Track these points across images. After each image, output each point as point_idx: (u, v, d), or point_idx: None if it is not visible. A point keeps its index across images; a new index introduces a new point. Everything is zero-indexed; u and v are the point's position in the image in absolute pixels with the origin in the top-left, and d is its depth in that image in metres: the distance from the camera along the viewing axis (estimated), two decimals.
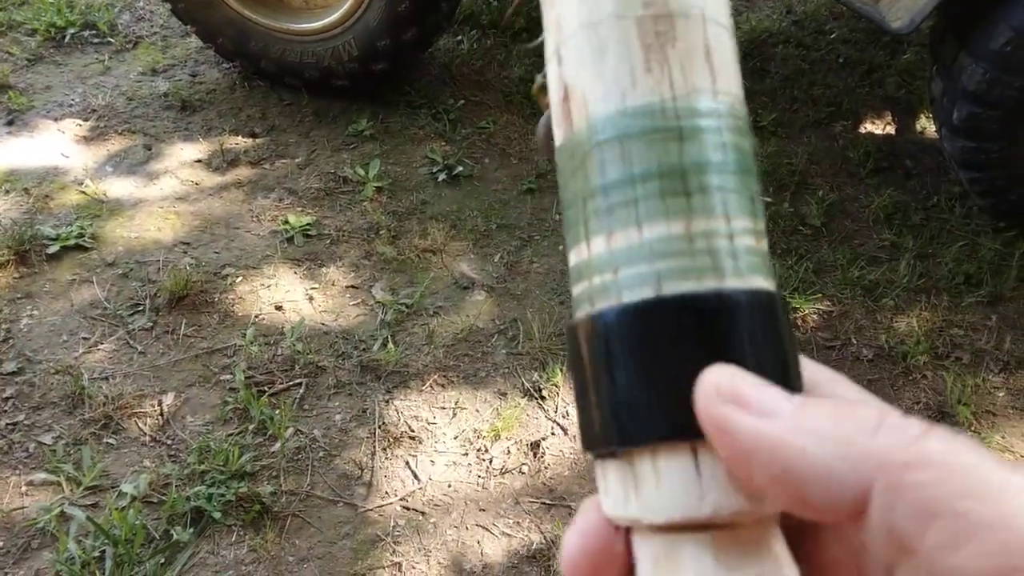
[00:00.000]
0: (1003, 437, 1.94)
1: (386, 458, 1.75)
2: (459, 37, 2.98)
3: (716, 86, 0.26)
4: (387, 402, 1.84)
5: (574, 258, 0.27)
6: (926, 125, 2.89)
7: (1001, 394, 2.05)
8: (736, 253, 0.25)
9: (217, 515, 1.58)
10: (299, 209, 2.30)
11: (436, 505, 1.68)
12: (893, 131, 2.89)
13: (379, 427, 1.79)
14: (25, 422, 1.71)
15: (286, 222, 2.23)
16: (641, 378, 0.24)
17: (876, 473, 0.20)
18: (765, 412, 0.22)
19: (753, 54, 3.09)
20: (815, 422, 0.22)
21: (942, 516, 0.19)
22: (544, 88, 0.31)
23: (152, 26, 2.96)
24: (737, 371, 0.23)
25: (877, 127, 2.89)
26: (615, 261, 0.25)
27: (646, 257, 0.25)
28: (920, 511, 0.20)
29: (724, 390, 0.23)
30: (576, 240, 0.27)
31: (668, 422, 0.24)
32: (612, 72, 0.25)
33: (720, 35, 0.26)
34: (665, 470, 0.24)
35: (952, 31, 2.08)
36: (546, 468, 1.77)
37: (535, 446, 1.80)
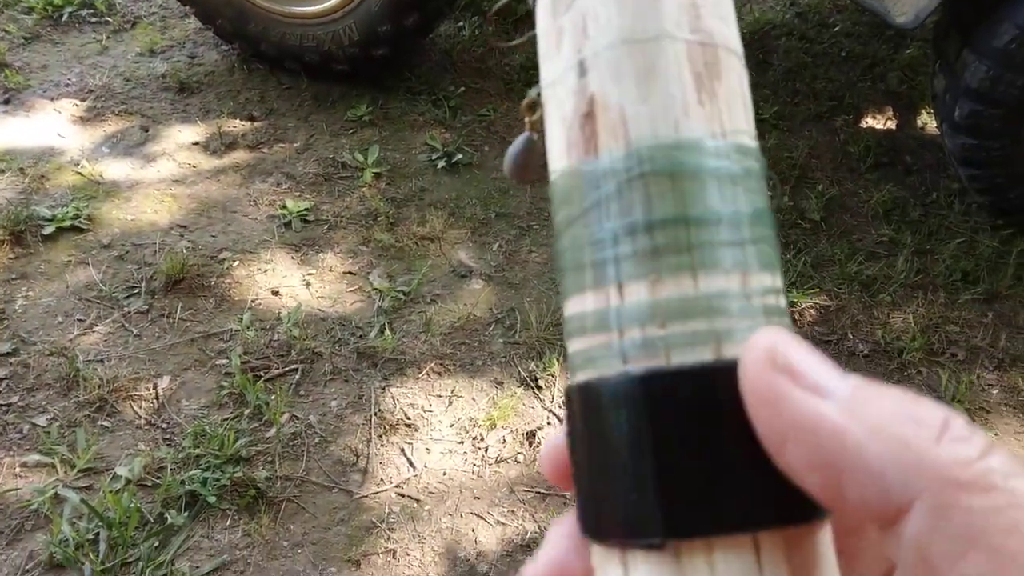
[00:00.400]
0: (996, 434, 1.95)
1: (382, 445, 1.75)
2: (460, 23, 2.96)
3: (751, 130, 0.24)
4: (383, 389, 1.84)
5: (591, 304, 0.23)
6: (927, 121, 2.88)
7: (995, 391, 2.05)
8: (783, 312, 0.23)
9: (212, 499, 1.57)
10: (297, 194, 2.29)
11: (431, 493, 1.68)
12: (894, 126, 2.88)
13: (375, 414, 1.79)
14: (19, 403, 1.71)
15: (284, 207, 2.22)
16: (698, 455, 0.21)
17: (930, 485, 0.18)
18: (819, 390, 0.20)
19: (755, 46, 3.08)
20: (873, 412, 0.19)
21: (981, 549, 0.18)
22: (534, 105, 0.27)
23: (151, 6, 2.93)
24: (790, 337, 0.21)
25: (878, 122, 2.88)
26: (662, 313, 0.22)
27: (702, 312, 0.21)
28: (961, 536, 0.18)
29: (779, 359, 0.20)
30: (596, 283, 0.23)
31: (732, 510, 0.21)
32: (662, 96, 0.22)
33: (746, 78, 0.25)
34: (722, 569, 0.21)
35: (956, 27, 2.08)
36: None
37: (531, 436, 1.80)
